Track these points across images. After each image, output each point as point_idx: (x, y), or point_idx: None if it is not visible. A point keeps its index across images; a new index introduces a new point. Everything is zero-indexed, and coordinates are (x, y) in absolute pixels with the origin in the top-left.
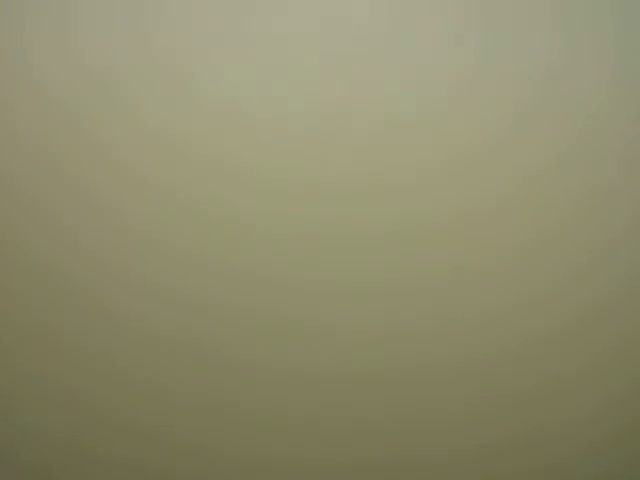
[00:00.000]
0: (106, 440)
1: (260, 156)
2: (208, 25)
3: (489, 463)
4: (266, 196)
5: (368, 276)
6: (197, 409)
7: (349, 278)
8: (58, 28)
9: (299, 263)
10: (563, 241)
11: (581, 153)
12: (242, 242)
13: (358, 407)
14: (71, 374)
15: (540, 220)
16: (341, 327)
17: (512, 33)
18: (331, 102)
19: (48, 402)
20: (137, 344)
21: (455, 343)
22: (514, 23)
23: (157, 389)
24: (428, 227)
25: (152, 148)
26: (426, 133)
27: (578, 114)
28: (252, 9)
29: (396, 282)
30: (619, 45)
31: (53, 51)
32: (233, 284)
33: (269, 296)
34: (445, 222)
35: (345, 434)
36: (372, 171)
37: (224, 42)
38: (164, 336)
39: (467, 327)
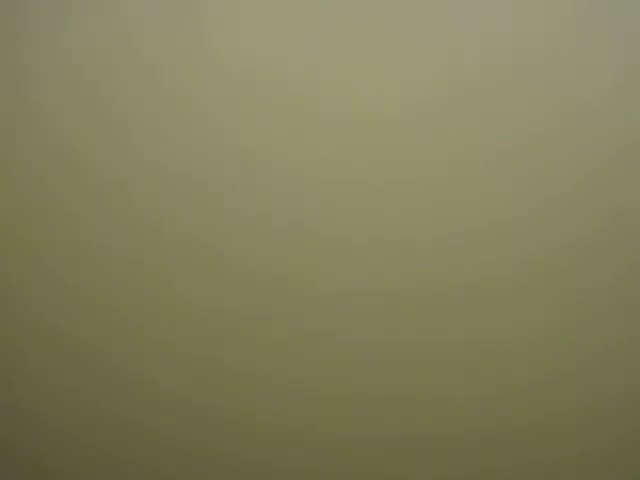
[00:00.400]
0: (111, 442)
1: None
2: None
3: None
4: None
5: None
6: (201, 415)
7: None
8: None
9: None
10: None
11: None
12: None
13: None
14: (76, 375)
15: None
16: (371, 345)
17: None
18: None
19: (54, 402)
20: (142, 346)
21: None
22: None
23: (161, 391)
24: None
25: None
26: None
27: None
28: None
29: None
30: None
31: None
32: (243, 290)
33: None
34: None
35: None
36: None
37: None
38: (169, 341)
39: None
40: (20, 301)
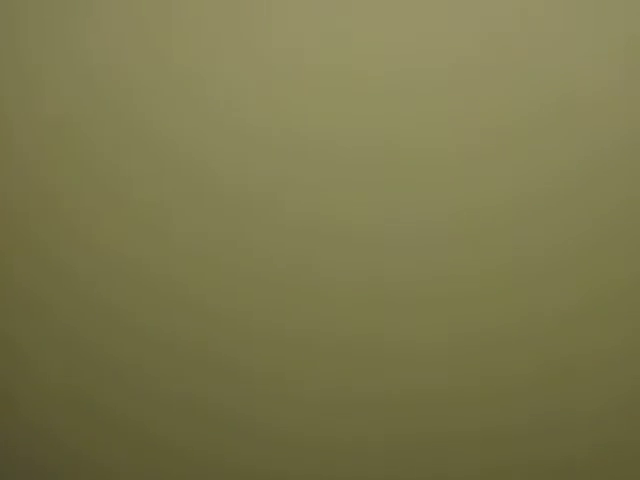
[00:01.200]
0: (108, 444)
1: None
2: None
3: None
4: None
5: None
6: (200, 416)
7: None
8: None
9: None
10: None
11: None
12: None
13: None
14: (77, 375)
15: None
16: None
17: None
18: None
19: (52, 403)
20: (141, 344)
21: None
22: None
23: (160, 391)
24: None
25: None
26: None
27: None
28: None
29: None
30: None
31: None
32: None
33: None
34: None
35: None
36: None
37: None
38: (170, 338)
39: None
40: (21, 300)
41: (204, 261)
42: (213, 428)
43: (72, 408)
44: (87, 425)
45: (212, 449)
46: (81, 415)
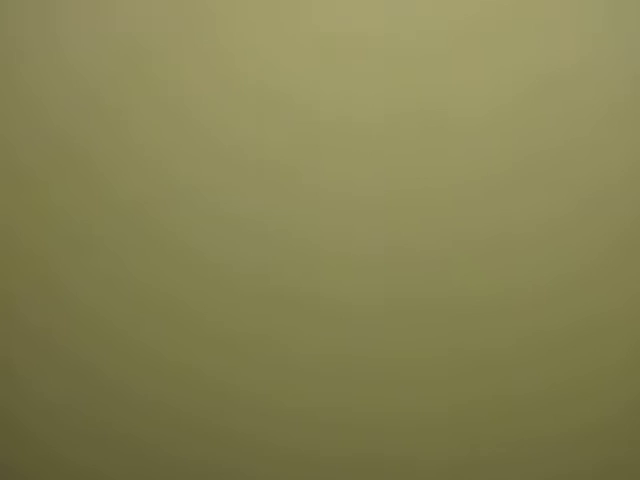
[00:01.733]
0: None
1: None
2: None
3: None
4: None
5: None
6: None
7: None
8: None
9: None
10: None
11: None
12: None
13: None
14: (71, 386)
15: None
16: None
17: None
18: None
19: (48, 413)
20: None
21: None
22: None
23: (153, 400)
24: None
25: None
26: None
27: None
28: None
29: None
30: None
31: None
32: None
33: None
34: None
35: None
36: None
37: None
38: (167, 354)
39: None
40: (17, 312)
41: (212, 277)
42: (205, 439)
43: (68, 421)
44: (84, 436)
45: (206, 458)
46: (77, 427)
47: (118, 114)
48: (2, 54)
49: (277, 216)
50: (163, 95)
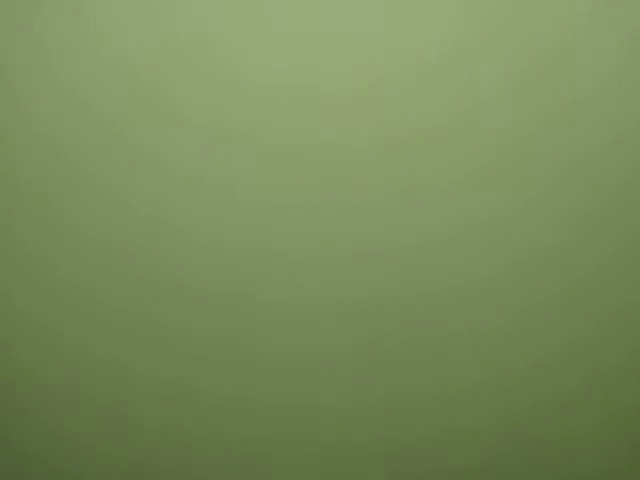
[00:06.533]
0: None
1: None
2: None
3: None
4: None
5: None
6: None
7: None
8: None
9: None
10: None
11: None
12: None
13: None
14: (76, 377)
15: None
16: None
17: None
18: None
19: (53, 404)
20: (140, 343)
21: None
22: None
23: (164, 390)
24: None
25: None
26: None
27: None
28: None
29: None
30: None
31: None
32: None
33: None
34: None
35: None
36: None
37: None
38: (168, 333)
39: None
40: (17, 304)
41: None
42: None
43: (73, 410)
44: (86, 426)
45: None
46: (81, 418)
47: (112, 125)
48: None
49: (249, 233)
50: (156, 105)
